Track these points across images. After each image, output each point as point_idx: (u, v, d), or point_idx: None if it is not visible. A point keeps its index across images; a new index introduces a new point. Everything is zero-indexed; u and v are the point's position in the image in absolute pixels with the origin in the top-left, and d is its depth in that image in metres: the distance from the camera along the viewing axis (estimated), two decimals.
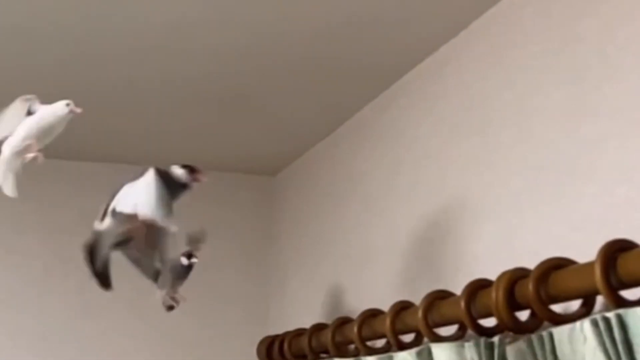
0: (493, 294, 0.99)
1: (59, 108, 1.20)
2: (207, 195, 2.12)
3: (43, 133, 1.20)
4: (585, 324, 0.84)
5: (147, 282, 1.99)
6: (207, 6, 1.36)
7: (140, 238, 1.15)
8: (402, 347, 1.22)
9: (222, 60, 1.55)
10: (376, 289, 1.56)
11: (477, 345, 0.99)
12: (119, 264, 1.97)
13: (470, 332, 1.09)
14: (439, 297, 1.15)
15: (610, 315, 0.82)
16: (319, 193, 1.92)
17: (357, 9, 1.37)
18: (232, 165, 2.12)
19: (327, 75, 1.61)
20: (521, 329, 0.98)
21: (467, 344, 1.00)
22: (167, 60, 1.54)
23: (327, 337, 1.42)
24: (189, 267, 1.49)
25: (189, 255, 1.49)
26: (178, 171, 1.06)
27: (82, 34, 1.44)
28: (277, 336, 1.66)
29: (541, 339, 0.90)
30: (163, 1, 1.34)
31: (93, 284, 1.95)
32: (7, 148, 1.20)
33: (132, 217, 1.11)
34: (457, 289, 1.09)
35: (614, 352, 0.81)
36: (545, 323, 0.96)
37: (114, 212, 1.13)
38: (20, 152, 1.19)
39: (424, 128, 1.52)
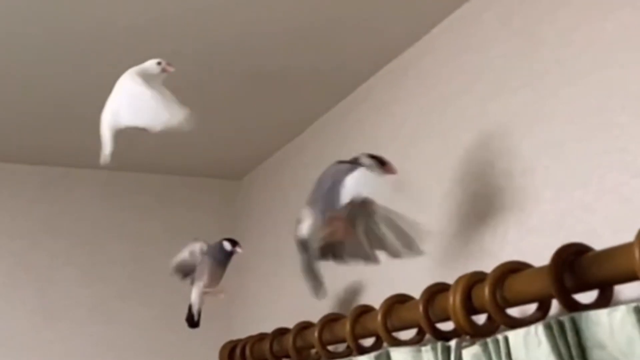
0: (450, 298, 0.99)
1: (151, 66, 1.16)
2: (172, 199, 2.11)
3: (135, 98, 1.16)
4: (540, 328, 0.84)
5: (109, 288, 1.98)
6: (167, 12, 1.35)
7: (341, 234, 1.06)
8: (363, 351, 1.22)
9: (187, 65, 1.54)
10: (338, 293, 1.55)
11: (434, 349, 0.99)
12: (78, 267, 1.96)
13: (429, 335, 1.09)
14: (398, 301, 1.15)
15: (564, 319, 0.82)
16: (283, 197, 1.92)
17: (319, 15, 1.36)
18: (198, 170, 2.11)
19: (291, 80, 1.61)
20: (478, 333, 0.98)
21: (424, 348, 1.00)
22: (133, 63, 1.53)
23: (288, 341, 1.42)
24: (231, 254, 1.43)
25: (234, 243, 1.43)
26: (366, 160, 0.98)
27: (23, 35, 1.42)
28: (239, 341, 1.65)
29: (497, 342, 0.90)
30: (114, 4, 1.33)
31: (54, 289, 1.94)
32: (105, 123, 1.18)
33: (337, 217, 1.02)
34: (417, 293, 1.09)
35: (568, 356, 0.81)
36: (502, 327, 0.96)
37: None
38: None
39: (385, 132, 1.52)
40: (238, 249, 1.43)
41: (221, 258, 1.44)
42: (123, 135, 1.88)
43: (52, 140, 1.88)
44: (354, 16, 1.38)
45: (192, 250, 1.47)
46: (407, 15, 1.36)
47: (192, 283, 1.46)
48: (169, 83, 1.61)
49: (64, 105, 1.69)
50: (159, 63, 1.16)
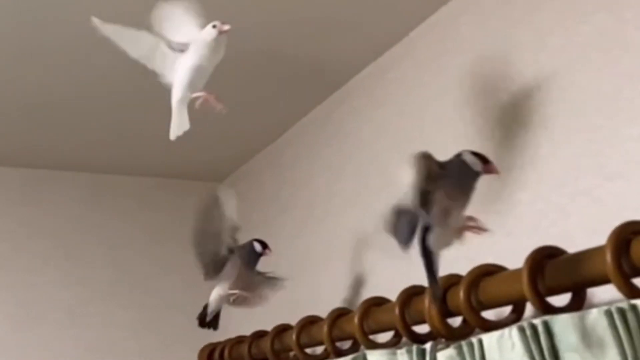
0: (426, 301, 0.99)
1: (208, 33, 1.11)
2: (153, 201, 2.10)
3: (203, 71, 1.13)
4: (513, 331, 0.84)
5: (89, 290, 1.97)
6: (147, 11, 1.34)
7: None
8: (340, 354, 1.22)
9: None
10: (319, 296, 1.55)
11: (409, 352, 0.99)
12: (58, 269, 1.95)
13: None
14: (375, 303, 1.15)
15: (537, 321, 0.82)
16: (264, 199, 1.91)
17: (299, 16, 1.36)
18: (179, 172, 2.10)
19: (272, 82, 1.61)
20: (454, 336, 0.98)
21: (399, 351, 1.00)
22: (111, 65, 1.52)
23: (266, 344, 1.42)
24: (260, 255, 1.37)
25: (264, 244, 1.38)
26: (469, 157, 0.93)
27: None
28: (218, 344, 1.65)
29: (471, 345, 0.90)
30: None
31: (34, 291, 1.93)
32: (175, 99, 1.15)
33: None
34: (396, 295, 1.09)
35: (541, 359, 0.81)
36: (478, 329, 0.96)
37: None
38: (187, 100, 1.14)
39: (366, 134, 1.52)
40: (268, 252, 1.38)
41: (251, 259, 1.38)
42: (103, 138, 1.89)
43: (32, 143, 1.87)
44: (333, 19, 1.38)
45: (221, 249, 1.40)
46: (386, 18, 1.36)
47: (218, 281, 1.39)
48: (154, 88, 1.61)
49: (44, 108, 1.68)
50: (214, 26, 1.11)
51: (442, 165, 0.95)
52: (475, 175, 0.91)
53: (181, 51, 1.13)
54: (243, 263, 1.37)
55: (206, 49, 1.11)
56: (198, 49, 1.12)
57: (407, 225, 0.94)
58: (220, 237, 1.37)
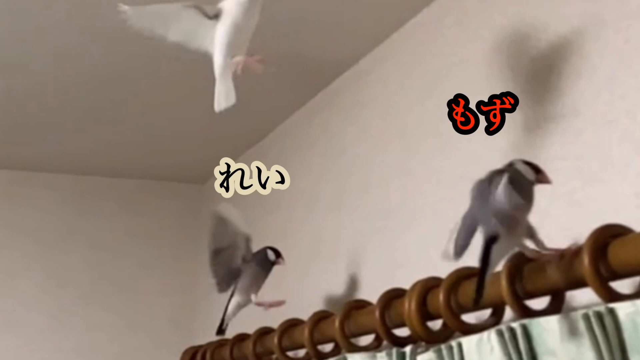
0: (406, 304, 0.99)
1: None
2: (134, 203, 2.09)
3: (240, 33, 1.08)
4: (492, 334, 0.84)
5: (70, 293, 1.96)
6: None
7: None
8: (321, 357, 1.22)
9: (150, 68, 1.53)
10: (300, 299, 1.54)
11: (389, 355, 0.98)
12: (39, 272, 1.94)
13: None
14: (356, 306, 1.14)
15: (515, 325, 0.83)
16: (246, 201, 1.90)
17: (282, 19, 1.36)
18: (161, 173, 2.09)
19: (254, 84, 1.59)
20: (434, 339, 0.98)
21: (379, 354, 1.00)
22: (95, 64, 1.51)
23: (248, 347, 1.41)
24: (273, 264, 1.37)
25: (277, 253, 1.38)
26: (522, 166, 0.91)
27: None
28: (200, 347, 1.64)
29: (450, 349, 0.90)
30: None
31: (15, 294, 1.91)
32: (217, 67, 1.11)
33: None
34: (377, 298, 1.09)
35: None
36: (457, 333, 0.96)
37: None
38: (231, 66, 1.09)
39: (349, 137, 1.52)
40: (281, 261, 1.37)
41: (264, 267, 1.37)
42: (85, 140, 1.87)
43: (13, 144, 1.85)
44: (317, 21, 1.37)
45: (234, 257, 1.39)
46: (369, 20, 1.36)
47: (233, 291, 1.38)
48: (136, 90, 1.60)
49: (25, 110, 1.68)
50: None
51: (500, 171, 0.92)
52: (530, 184, 0.89)
53: (216, 17, 1.09)
54: (259, 271, 1.37)
55: (240, 9, 1.08)
56: (232, 10, 1.08)
57: (465, 233, 0.90)
58: (234, 250, 1.38)
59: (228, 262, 1.38)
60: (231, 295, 1.37)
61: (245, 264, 1.36)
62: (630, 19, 0.94)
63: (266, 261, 1.37)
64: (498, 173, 0.89)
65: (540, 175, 0.89)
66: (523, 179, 0.89)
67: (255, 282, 1.35)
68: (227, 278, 1.38)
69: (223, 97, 1.12)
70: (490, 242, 0.84)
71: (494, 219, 0.85)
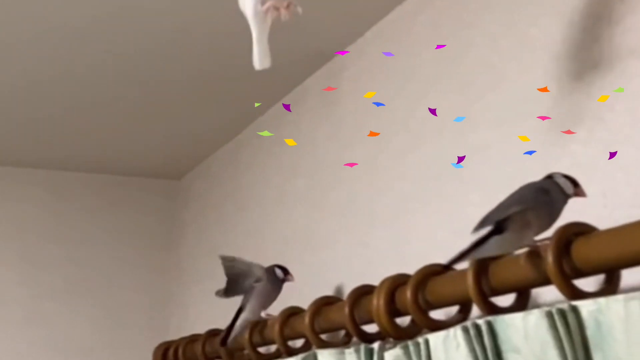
0: (374, 301, 0.99)
1: None
2: (111, 199, 2.08)
3: None
4: (458, 331, 0.84)
5: (45, 289, 1.94)
6: (100, 12, 1.33)
7: None
8: (292, 353, 1.22)
9: (126, 65, 1.53)
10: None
11: (357, 351, 0.99)
12: (14, 267, 1.92)
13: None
14: (326, 302, 1.15)
15: (481, 322, 0.83)
16: (221, 197, 1.91)
17: None
18: (137, 169, 2.09)
19: (229, 81, 1.60)
20: (402, 335, 0.98)
21: (347, 351, 1.00)
22: (72, 61, 1.51)
23: (219, 343, 1.41)
24: (283, 281, 1.37)
25: (285, 271, 1.38)
26: (561, 180, 0.90)
27: None
28: (172, 342, 1.64)
29: (417, 345, 0.90)
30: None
31: None
32: (250, 19, 1.05)
33: None
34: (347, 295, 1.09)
35: (484, 359, 0.82)
36: (425, 329, 0.96)
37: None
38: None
39: (320, 133, 1.52)
40: (290, 278, 1.38)
41: (275, 285, 1.38)
42: (62, 135, 1.86)
43: None
44: (289, 18, 1.37)
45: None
46: (341, 17, 1.37)
47: (243, 306, 1.38)
48: (113, 86, 1.60)
49: (1, 104, 1.67)
50: None
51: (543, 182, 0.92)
52: (566, 198, 0.89)
53: None
54: (270, 289, 1.37)
55: None
56: None
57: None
58: (248, 275, 1.38)
59: (242, 279, 1.38)
60: (240, 311, 1.37)
61: (257, 283, 1.37)
62: None
63: (275, 279, 1.38)
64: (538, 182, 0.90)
65: (578, 189, 0.89)
66: (559, 194, 0.89)
67: (268, 300, 1.36)
68: (235, 289, 1.39)
69: (260, 57, 1.08)
70: (493, 232, 0.85)
71: (510, 210, 0.86)
